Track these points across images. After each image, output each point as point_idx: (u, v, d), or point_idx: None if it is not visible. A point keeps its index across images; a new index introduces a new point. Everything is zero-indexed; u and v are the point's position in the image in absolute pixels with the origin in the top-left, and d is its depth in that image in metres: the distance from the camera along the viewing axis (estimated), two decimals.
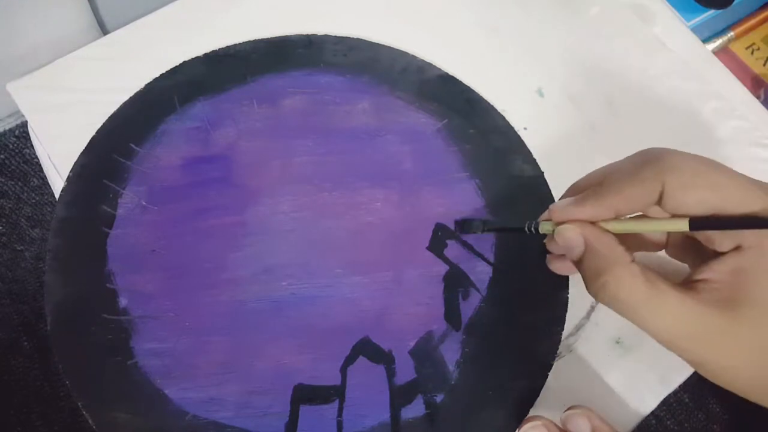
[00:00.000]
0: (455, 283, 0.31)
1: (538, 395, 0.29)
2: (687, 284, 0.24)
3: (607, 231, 0.24)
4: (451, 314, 0.30)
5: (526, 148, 0.34)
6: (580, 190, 0.26)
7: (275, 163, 0.33)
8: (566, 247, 0.25)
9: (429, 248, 0.32)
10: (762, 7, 0.60)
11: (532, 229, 0.27)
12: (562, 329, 0.30)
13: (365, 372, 0.29)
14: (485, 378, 0.29)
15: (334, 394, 0.29)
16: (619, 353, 0.31)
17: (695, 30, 0.48)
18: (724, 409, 0.60)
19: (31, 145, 0.35)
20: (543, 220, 0.27)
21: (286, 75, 0.35)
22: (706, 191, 0.23)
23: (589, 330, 0.31)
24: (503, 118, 0.35)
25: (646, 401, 0.30)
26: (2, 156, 0.45)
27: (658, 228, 0.24)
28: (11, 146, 0.45)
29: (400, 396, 0.29)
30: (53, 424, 0.62)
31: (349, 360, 0.29)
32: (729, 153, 0.36)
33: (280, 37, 0.37)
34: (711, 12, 0.53)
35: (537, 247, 0.31)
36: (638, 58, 0.38)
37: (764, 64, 0.60)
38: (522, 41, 0.39)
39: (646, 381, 0.31)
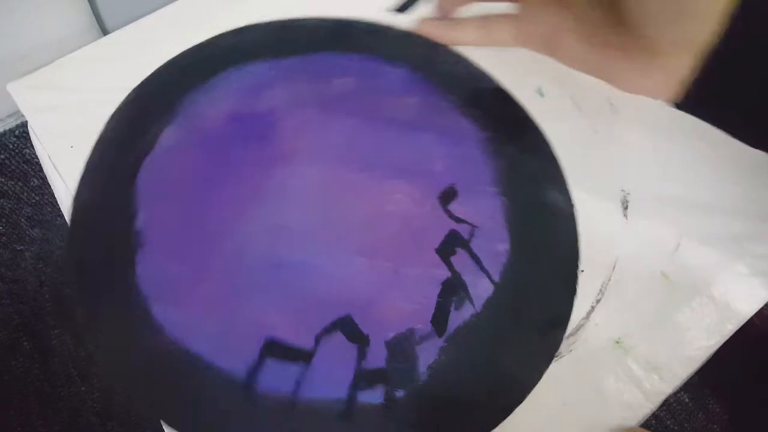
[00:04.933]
0: (452, 290, 0.31)
1: (494, 426, 0.28)
2: None
3: None
4: (439, 319, 0.30)
5: (563, 178, 0.33)
6: None
7: (314, 135, 0.34)
8: None
9: (437, 250, 0.32)
10: None
11: None
12: (546, 369, 0.29)
13: (338, 347, 0.29)
14: (452, 390, 0.29)
15: (302, 357, 0.29)
16: (619, 353, 0.31)
17: None
18: (724, 409, 0.60)
19: (31, 145, 0.35)
20: None
21: (344, 56, 0.36)
22: None
23: (589, 330, 0.31)
24: (548, 144, 0.34)
25: (646, 401, 0.30)
26: (2, 156, 0.45)
27: None
28: (11, 146, 0.45)
29: (363, 379, 0.29)
30: (53, 423, 0.62)
31: (327, 331, 0.29)
32: (731, 152, 0.36)
33: (346, 18, 0.38)
34: None
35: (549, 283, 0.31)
36: None
37: None
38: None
39: (646, 381, 0.31)
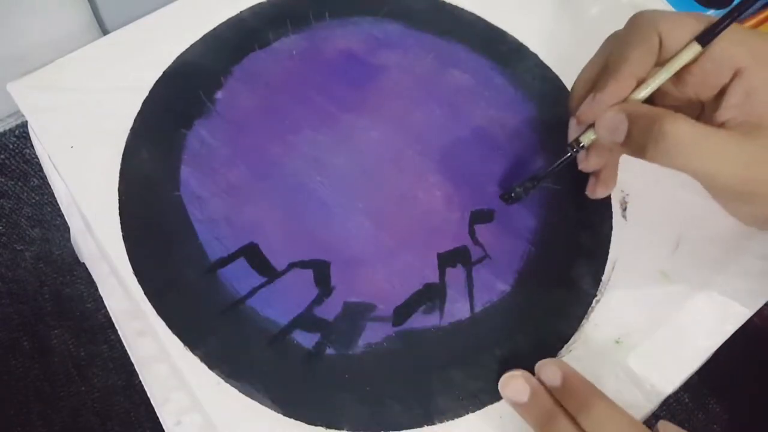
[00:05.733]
0: (430, 295, 0.31)
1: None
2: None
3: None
4: (402, 311, 0.30)
5: (603, 266, 0.32)
6: (585, 88, 0.28)
7: (402, 103, 0.35)
8: (610, 130, 0.26)
9: (440, 255, 0.31)
10: (762, 7, 0.60)
11: (576, 148, 0.28)
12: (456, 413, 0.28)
13: (303, 282, 0.31)
14: (375, 374, 0.29)
15: (269, 273, 0.30)
16: (619, 353, 0.31)
17: None
18: (724, 409, 0.60)
19: (31, 145, 0.35)
20: (578, 136, 0.28)
21: (474, 54, 0.38)
22: (695, 22, 0.25)
23: (588, 330, 0.31)
24: (609, 234, 0.33)
25: (646, 401, 0.30)
26: (2, 156, 0.45)
27: (676, 66, 0.26)
28: (11, 146, 0.45)
29: (307, 320, 0.29)
30: (53, 424, 0.62)
31: (302, 264, 0.31)
32: None
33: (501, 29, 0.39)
34: (711, 12, 0.53)
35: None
36: None
37: None
38: (522, 42, 0.39)
39: (646, 381, 0.31)
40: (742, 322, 0.32)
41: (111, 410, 0.63)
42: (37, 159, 0.36)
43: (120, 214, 0.31)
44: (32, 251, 0.63)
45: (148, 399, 0.29)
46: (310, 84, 0.36)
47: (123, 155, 0.33)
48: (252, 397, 0.28)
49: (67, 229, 0.53)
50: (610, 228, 0.33)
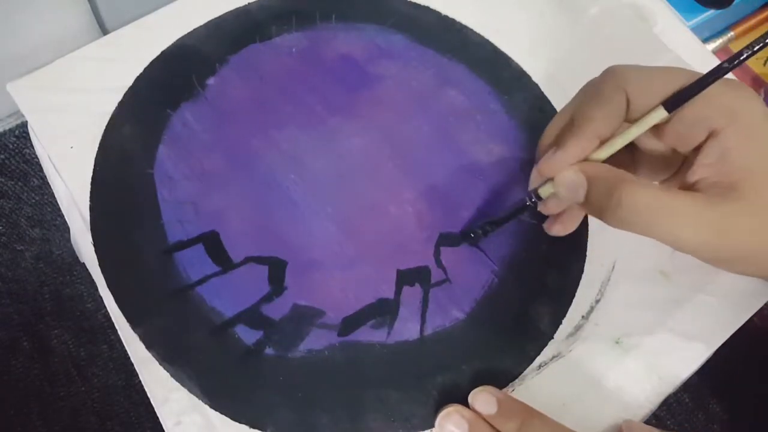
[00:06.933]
0: (382, 311, 0.30)
1: None
2: (687, 190, 0.24)
3: (600, 161, 0.26)
4: (351, 322, 0.30)
5: (563, 314, 0.31)
6: (551, 141, 0.28)
7: (392, 114, 0.35)
8: (570, 189, 0.25)
9: (400, 272, 0.31)
10: (762, 7, 0.60)
11: (533, 200, 0.28)
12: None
13: (256, 278, 0.30)
14: (310, 382, 0.29)
15: (226, 264, 0.30)
16: (618, 353, 0.31)
17: (695, 30, 0.48)
18: (724, 409, 0.60)
19: (31, 145, 0.35)
20: (537, 187, 0.27)
21: (473, 76, 0.37)
22: (665, 83, 0.24)
23: (588, 330, 0.31)
24: (578, 278, 0.32)
25: (646, 401, 0.30)
26: (2, 156, 0.45)
27: (641, 129, 0.25)
28: (11, 146, 0.45)
29: (254, 316, 0.29)
30: (53, 424, 0.62)
31: (258, 260, 0.31)
32: None
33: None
34: (711, 12, 0.53)
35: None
36: (638, 58, 0.38)
37: (764, 64, 0.60)
38: (522, 42, 0.39)
39: (646, 381, 0.31)
40: (743, 323, 0.32)
41: (111, 410, 0.63)
42: (37, 159, 0.36)
43: (92, 182, 0.32)
44: (32, 251, 0.63)
45: (148, 399, 0.29)
46: (304, 83, 0.35)
47: (106, 127, 0.33)
48: (183, 384, 0.28)
49: (67, 229, 0.53)
50: (581, 271, 0.32)
